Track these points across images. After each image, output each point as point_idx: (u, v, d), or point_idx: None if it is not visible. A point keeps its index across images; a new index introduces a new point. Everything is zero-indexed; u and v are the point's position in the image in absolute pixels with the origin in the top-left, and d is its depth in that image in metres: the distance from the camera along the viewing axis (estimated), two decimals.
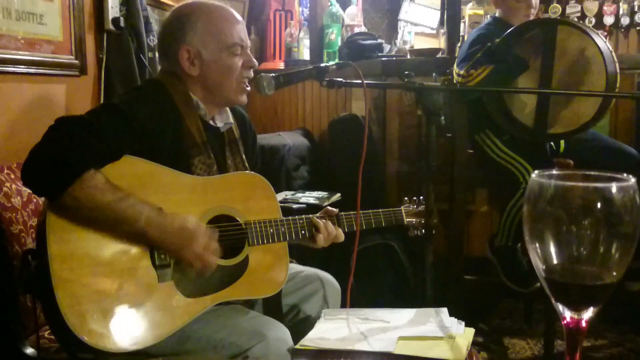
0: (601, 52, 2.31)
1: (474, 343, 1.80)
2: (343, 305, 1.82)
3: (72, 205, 1.38)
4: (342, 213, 1.80)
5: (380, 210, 1.86)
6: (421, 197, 1.90)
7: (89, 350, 1.38)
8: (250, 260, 1.60)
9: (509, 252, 2.71)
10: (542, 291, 0.59)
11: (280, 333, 1.51)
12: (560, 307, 0.56)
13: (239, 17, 1.72)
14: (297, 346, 1.43)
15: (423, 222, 1.87)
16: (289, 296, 1.77)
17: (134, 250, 1.46)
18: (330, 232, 1.73)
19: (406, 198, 1.98)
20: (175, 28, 1.65)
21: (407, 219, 1.92)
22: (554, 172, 0.55)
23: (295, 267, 1.86)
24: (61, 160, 1.37)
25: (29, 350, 1.62)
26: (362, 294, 2.52)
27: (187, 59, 1.63)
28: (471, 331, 1.51)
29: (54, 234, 1.38)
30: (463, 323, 1.52)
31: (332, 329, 1.50)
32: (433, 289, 1.83)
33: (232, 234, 1.60)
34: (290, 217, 1.71)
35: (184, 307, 1.48)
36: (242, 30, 1.70)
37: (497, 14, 2.91)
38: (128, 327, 1.40)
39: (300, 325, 1.73)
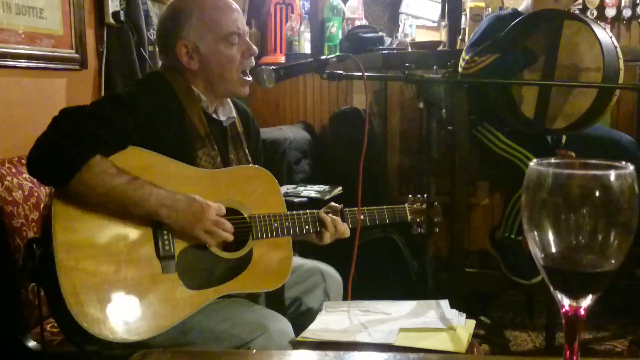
0: (602, 49, 2.30)
1: (476, 335, 1.81)
2: (345, 297, 1.83)
3: (81, 191, 1.39)
4: (347, 209, 1.80)
5: (384, 207, 1.86)
6: (425, 195, 1.90)
7: (92, 341, 1.38)
8: (254, 253, 1.61)
9: (511, 244, 2.71)
10: (543, 283, 0.59)
11: (282, 325, 1.52)
12: (559, 295, 0.56)
13: (234, 4, 1.69)
14: (299, 338, 1.44)
15: (427, 219, 1.87)
16: (290, 289, 1.78)
17: (139, 241, 1.46)
18: (337, 229, 1.73)
19: (410, 195, 1.97)
20: (171, 24, 1.64)
21: (411, 216, 1.92)
22: (553, 160, 0.55)
23: (297, 260, 1.86)
24: (67, 148, 1.38)
25: (32, 344, 1.63)
26: (363, 286, 2.52)
27: (185, 53, 1.63)
28: (472, 323, 1.51)
29: (59, 223, 1.39)
30: (464, 315, 1.53)
31: (333, 321, 1.51)
32: (434, 282, 1.84)
33: (236, 227, 1.60)
34: (295, 212, 1.71)
35: (187, 299, 1.48)
36: (238, 18, 1.67)
37: (520, 7, 2.78)
38: (131, 317, 1.41)
39: (302, 318, 1.73)
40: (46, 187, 1.75)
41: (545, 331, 2.79)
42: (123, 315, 1.40)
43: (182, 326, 1.48)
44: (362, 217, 1.79)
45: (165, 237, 1.49)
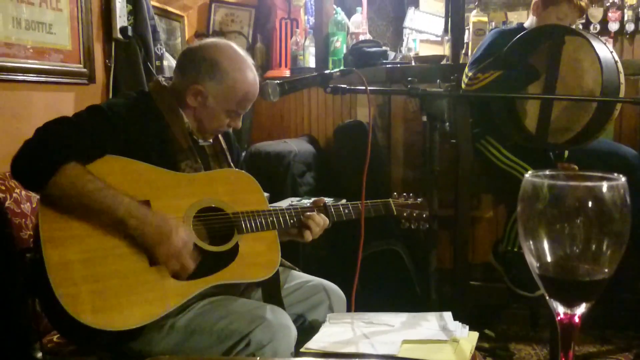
0: (600, 64, 2.31)
1: (480, 349, 1.81)
2: (348, 310, 1.84)
3: (56, 194, 1.44)
4: (331, 204, 1.87)
5: (368, 201, 1.91)
6: (410, 194, 2.00)
7: (90, 335, 1.42)
8: (241, 246, 1.65)
9: (514, 257, 2.71)
10: None
11: (278, 313, 1.57)
12: (554, 303, 0.58)
13: (257, 93, 1.78)
14: (302, 349, 1.44)
15: (415, 214, 1.92)
16: (294, 306, 1.80)
17: (124, 235, 1.49)
18: (317, 222, 1.79)
19: (395, 193, 2.04)
20: (206, 68, 1.71)
21: (397, 209, 1.98)
22: (547, 172, 0.57)
23: (301, 276, 1.89)
24: (44, 153, 1.44)
25: (39, 354, 1.64)
26: (367, 299, 2.53)
27: (193, 93, 1.70)
28: (475, 335, 1.51)
29: (46, 223, 1.43)
30: (467, 327, 1.53)
31: (336, 332, 1.51)
32: (438, 295, 1.84)
33: (221, 223, 1.64)
34: (277, 208, 1.77)
35: (177, 288, 1.51)
36: (252, 104, 1.79)
37: (526, 24, 2.81)
38: (123, 305, 1.43)
39: (305, 334, 1.74)
40: None
41: (549, 344, 2.78)
42: (114, 305, 1.42)
43: (184, 330, 1.51)
44: (346, 211, 1.87)
45: None
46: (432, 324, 1.54)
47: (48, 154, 1.44)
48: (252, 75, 1.76)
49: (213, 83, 1.70)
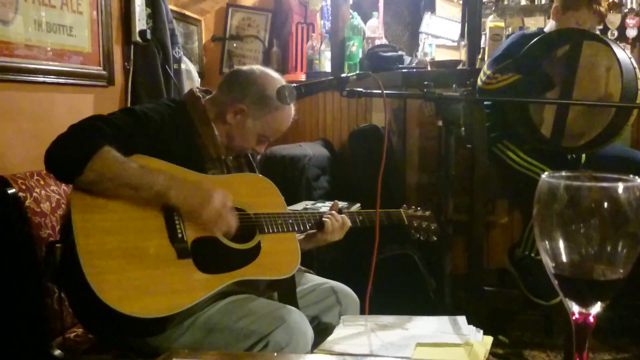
0: (621, 69, 2.30)
1: (494, 354, 1.81)
2: (362, 314, 1.85)
3: (94, 178, 1.47)
4: (346, 211, 1.92)
5: (381, 210, 1.93)
6: (419, 207, 2.06)
7: (113, 324, 1.45)
8: (263, 246, 1.69)
9: (530, 264, 2.69)
10: (562, 304, 0.61)
11: (297, 315, 1.59)
12: (569, 302, 0.58)
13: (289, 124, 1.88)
14: (316, 351, 1.45)
15: (425, 225, 1.94)
16: (309, 308, 1.82)
17: (153, 230, 1.53)
18: (337, 219, 1.85)
19: (405, 205, 2.09)
20: (253, 89, 1.78)
21: (408, 219, 2.02)
22: (563, 173, 0.57)
23: (315, 279, 1.92)
24: (79, 142, 1.49)
25: (57, 352, 1.66)
26: (380, 303, 2.53)
27: (234, 111, 1.77)
28: (489, 339, 1.51)
29: (78, 213, 1.47)
30: (482, 331, 1.53)
31: (350, 334, 1.52)
32: (452, 300, 1.84)
33: (243, 222, 1.67)
34: (296, 211, 1.83)
35: (204, 281, 1.54)
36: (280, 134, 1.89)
37: (546, 29, 2.81)
38: (151, 294, 1.47)
39: (319, 336, 1.75)
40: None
41: (564, 351, 2.76)
42: (144, 293, 1.46)
43: (204, 327, 1.54)
44: (360, 218, 1.92)
45: (178, 226, 1.55)
46: (446, 327, 1.54)
47: (83, 141, 1.49)
48: (293, 110, 1.85)
49: (257, 107, 1.77)
